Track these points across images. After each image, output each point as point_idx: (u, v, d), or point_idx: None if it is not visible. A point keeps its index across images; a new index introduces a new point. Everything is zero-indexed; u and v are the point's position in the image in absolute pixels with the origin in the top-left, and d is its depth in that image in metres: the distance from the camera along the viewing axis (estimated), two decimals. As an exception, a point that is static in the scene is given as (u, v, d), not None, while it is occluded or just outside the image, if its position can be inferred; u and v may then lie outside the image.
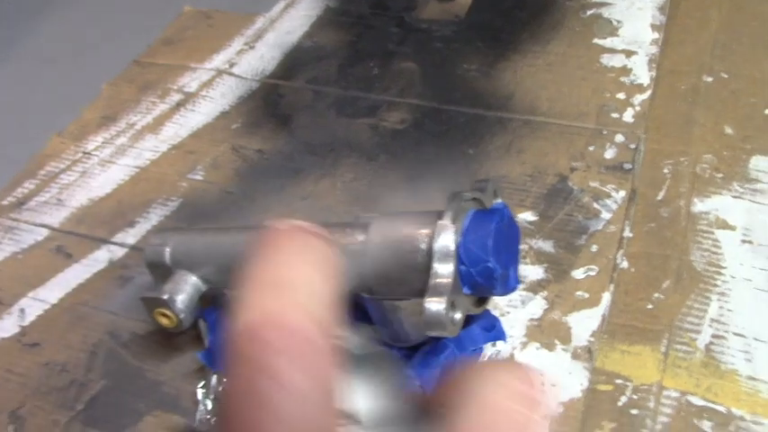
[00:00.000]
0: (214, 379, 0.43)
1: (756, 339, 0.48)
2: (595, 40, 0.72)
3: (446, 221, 0.37)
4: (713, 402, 0.45)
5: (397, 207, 0.43)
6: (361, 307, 0.42)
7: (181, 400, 0.48)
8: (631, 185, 0.58)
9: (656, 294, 0.51)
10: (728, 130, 0.62)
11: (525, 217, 0.56)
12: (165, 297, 0.45)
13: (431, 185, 0.60)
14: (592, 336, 0.48)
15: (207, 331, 0.48)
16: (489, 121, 0.65)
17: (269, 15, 0.82)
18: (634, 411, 0.45)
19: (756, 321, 0.49)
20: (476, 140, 0.63)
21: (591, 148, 0.61)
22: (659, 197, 0.57)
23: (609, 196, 0.57)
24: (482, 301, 0.41)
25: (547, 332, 0.49)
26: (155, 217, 0.61)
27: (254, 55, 0.77)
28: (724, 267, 0.52)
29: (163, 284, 0.46)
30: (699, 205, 0.56)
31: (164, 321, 0.47)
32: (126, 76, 0.76)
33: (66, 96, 0.76)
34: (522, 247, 0.53)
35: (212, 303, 0.48)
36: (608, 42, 0.71)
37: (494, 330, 0.43)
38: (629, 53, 0.70)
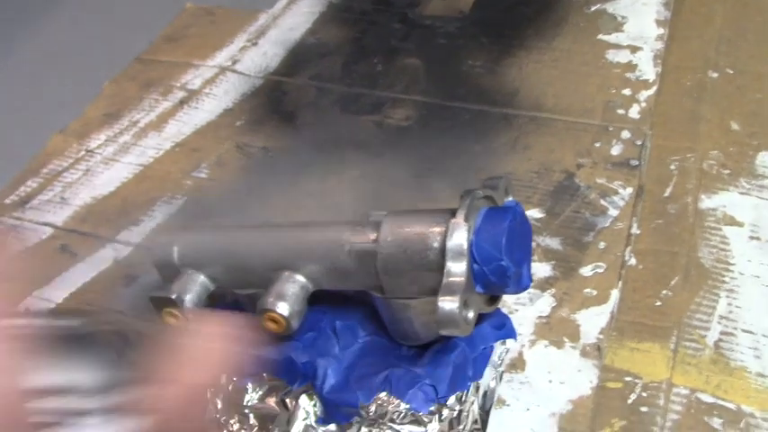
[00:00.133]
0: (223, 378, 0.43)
1: (765, 336, 0.48)
2: (600, 36, 0.72)
3: (459, 219, 0.37)
4: (723, 399, 0.45)
5: (405, 204, 0.42)
6: (369, 304, 0.42)
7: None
8: (638, 182, 0.57)
9: (665, 291, 0.51)
10: (735, 126, 0.62)
11: (532, 214, 0.56)
12: (174, 296, 0.45)
13: (437, 182, 0.59)
14: (600, 333, 0.48)
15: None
16: (495, 118, 0.65)
17: (271, 12, 0.81)
18: (644, 409, 0.45)
19: (765, 318, 0.48)
20: (481, 137, 0.63)
21: (597, 145, 0.61)
22: (666, 194, 0.57)
23: (616, 193, 0.57)
24: (494, 299, 0.41)
25: (555, 330, 0.49)
26: (159, 215, 0.61)
27: (257, 52, 0.76)
28: (732, 264, 0.52)
29: (171, 284, 0.46)
30: (706, 202, 0.56)
31: (172, 321, 0.46)
32: (128, 73, 0.76)
33: (68, 94, 0.75)
34: (530, 244, 0.53)
35: (220, 302, 0.48)
36: (613, 38, 0.71)
37: (504, 329, 0.43)
38: (634, 49, 0.69)
